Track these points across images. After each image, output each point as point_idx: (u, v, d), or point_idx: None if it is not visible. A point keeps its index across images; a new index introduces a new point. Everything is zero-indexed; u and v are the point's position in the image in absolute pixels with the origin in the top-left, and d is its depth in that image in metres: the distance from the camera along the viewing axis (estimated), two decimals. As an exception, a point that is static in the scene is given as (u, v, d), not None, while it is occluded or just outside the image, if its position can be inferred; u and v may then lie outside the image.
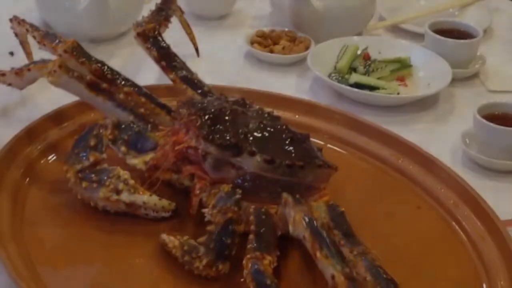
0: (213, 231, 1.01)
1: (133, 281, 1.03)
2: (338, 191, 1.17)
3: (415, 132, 1.43)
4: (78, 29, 1.64)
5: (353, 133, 1.34)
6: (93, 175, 1.09)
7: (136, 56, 1.54)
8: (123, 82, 1.23)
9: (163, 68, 1.31)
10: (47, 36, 1.28)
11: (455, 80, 1.58)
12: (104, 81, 1.21)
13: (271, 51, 1.68)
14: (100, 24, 1.64)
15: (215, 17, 1.88)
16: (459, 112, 1.53)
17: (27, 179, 1.17)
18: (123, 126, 1.15)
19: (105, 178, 1.09)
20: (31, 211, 1.12)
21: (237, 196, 1.04)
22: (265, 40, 1.71)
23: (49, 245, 1.08)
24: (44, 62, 1.22)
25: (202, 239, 1.01)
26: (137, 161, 1.13)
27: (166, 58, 1.31)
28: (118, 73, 1.24)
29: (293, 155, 1.10)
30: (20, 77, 1.25)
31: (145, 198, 1.09)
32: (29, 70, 1.24)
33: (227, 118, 1.11)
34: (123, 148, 1.13)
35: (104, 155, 1.12)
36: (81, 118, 1.31)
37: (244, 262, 0.95)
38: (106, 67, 1.23)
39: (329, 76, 1.57)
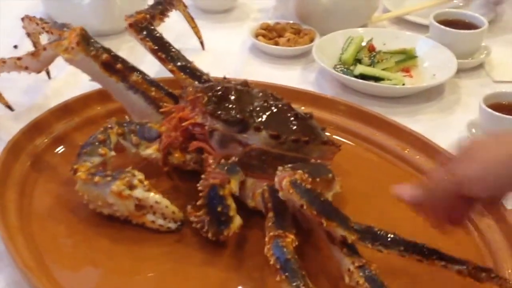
0: (203, 204, 1.03)
1: (139, 275, 1.04)
2: (344, 182, 1.17)
3: (420, 122, 1.43)
4: (84, 23, 1.61)
5: (358, 124, 1.35)
6: (106, 172, 1.08)
7: (142, 50, 1.54)
8: (134, 72, 1.23)
9: (161, 59, 1.30)
10: (55, 25, 1.26)
11: (460, 71, 1.58)
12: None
13: (276, 44, 1.68)
14: (106, 18, 1.64)
15: (219, 10, 1.88)
16: (464, 102, 1.53)
17: (35, 172, 1.18)
18: (126, 122, 1.16)
19: (120, 173, 1.06)
20: (39, 204, 1.13)
21: (231, 161, 1.06)
22: (269, 33, 1.71)
23: (56, 237, 1.08)
24: (60, 39, 1.20)
25: (200, 213, 1.04)
26: (151, 151, 1.13)
27: (162, 49, 1.30)
28: (126, 61, 1.24)
29: (298, 131, 1.11)
30: (36, 58, 1.23)
31: (159, 198, 1.07)
32: (44, 49, 1.22)
33: (232, 96, 1.12)
34: (134, 139, 1.14)
35: (113, 153, 1.11)
36: (88, 111, 1.32)
37: (266, 239, 0.97)
38: (114, 54, 1.22)
39: (334, 68, 1.57)
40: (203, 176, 1.05)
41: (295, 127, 1.12)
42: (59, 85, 1.48)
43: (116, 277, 1.03)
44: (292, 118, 1.13)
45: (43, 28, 1.30)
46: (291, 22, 1.75)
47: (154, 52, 1.30)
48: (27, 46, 1.49)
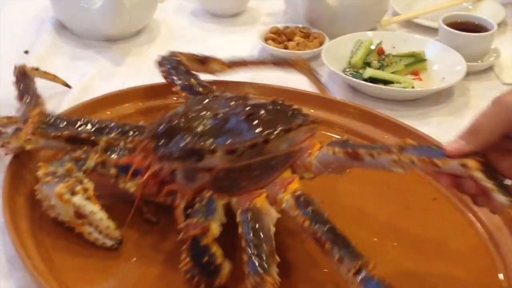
0: (188, 256, 0.98)
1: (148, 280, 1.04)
2: (353, 184, 1.17)
3: (430, 125, 1.43)
4: (93, 28, 1.65)
5: (367, 127, 1.35)
6: (59, 174, 1.06)
7: (150, 55, 1.54)
8: (103, 133, 1.17)
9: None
10: (20, 108, 1.23)
11: (469, 74, 1.58)
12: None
13: (286, 48, 1.68)
14: (116, 23, 1.64)
15: (229, 14, 1.88)
16: (474, 105, 1.52)
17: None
18: (112, 149, 1.13)
19: (68, 177, 1.05)
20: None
21: (204, 202, 1.01)
22: (279, 37, 1.72)
23: (66, 241, 1.07)
24: (17, 131, 1.16)
25: (186, 268, 0.98)
26: (129, 185, 1.09)
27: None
28: (93, 124, 1.18)
29: (253, 132, 1.04)
30: (6, 149, 1.17)
31: (96, 209, 1.04)
32: (8, 143, 1.16)
33: (178, 126, 1.07)
34: (113, 171, 1.10)
35: (80, 173, 1.08)
36: (92, 117, 1.32)
37: None
38: (79, 128, 1.17)
39: (344, 71, 1.58)
40: (181, 225, 1.00)
41: (249, 131, 1.05)
42: (72, 91, 1.48)
43: (126, 281, 1.03)
44: (244, 121, 1.06)
45: (9, 120, 1.22)
46: (301, 26, 1.75)
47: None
48: (38, 51, 1.50)
